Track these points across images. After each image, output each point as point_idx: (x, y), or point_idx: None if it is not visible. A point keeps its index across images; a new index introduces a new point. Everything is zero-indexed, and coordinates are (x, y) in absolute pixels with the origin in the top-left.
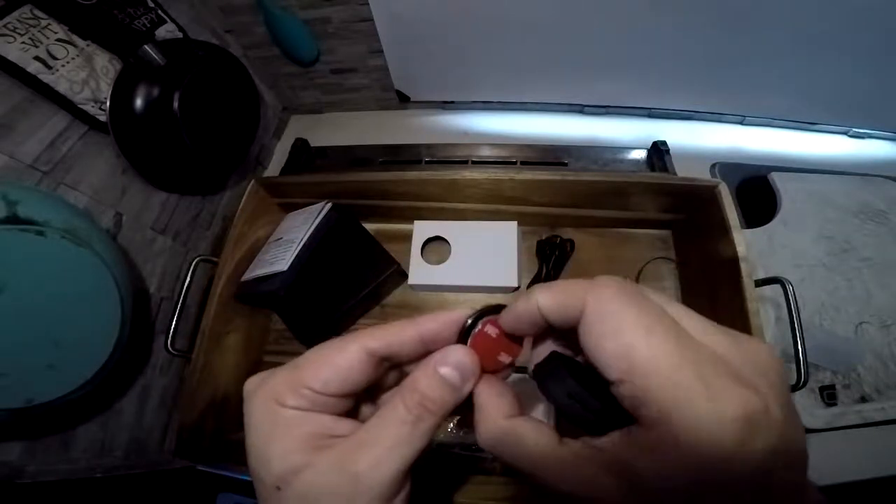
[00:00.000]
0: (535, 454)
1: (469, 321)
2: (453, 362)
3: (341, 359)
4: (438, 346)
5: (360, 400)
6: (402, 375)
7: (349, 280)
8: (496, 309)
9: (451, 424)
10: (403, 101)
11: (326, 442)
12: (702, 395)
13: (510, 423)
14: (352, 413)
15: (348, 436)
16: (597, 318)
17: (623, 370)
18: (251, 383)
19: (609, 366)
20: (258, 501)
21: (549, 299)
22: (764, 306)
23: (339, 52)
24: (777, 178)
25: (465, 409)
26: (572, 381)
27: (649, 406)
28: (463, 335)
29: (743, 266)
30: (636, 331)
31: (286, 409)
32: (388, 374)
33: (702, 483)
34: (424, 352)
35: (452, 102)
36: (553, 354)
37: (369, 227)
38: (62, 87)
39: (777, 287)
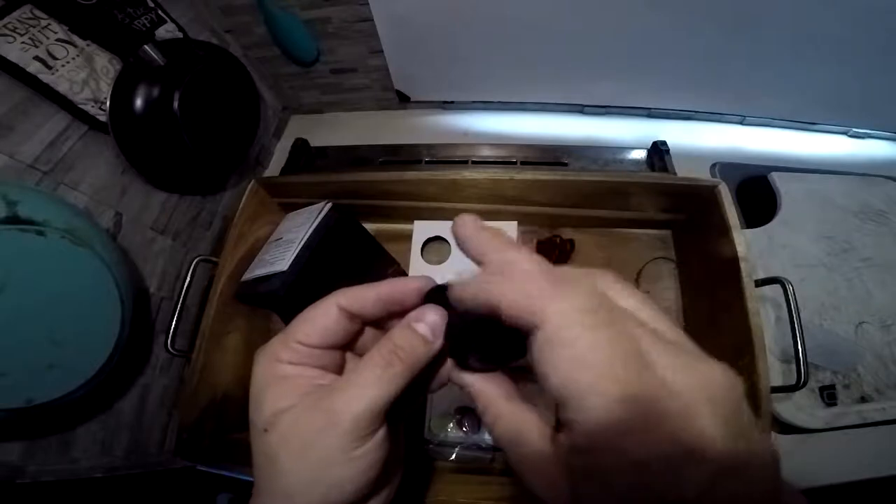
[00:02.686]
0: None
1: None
2: (427, 319)
3: (319, 314)
4: (397, 307)
5: (345, 357)
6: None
7: (349, 280)
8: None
9: (451, 424)
10: (403, 101)
11: (312, 389)
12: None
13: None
14: (339, 370)
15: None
16: (554, 344)
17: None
18: (260, 349)
19: (556, 391)
20: (252, 447)
21: (502, 300)
22: (764, 306)
23: (339, 52)
24: (777, 178)
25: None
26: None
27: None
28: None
29: (743, 266)
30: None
31: (281, 364)
32: (364, 331)
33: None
34: (385, 311)
35: (452, 102)
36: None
37: (369, 227)
38: (62, 87)
39: (777, 287)
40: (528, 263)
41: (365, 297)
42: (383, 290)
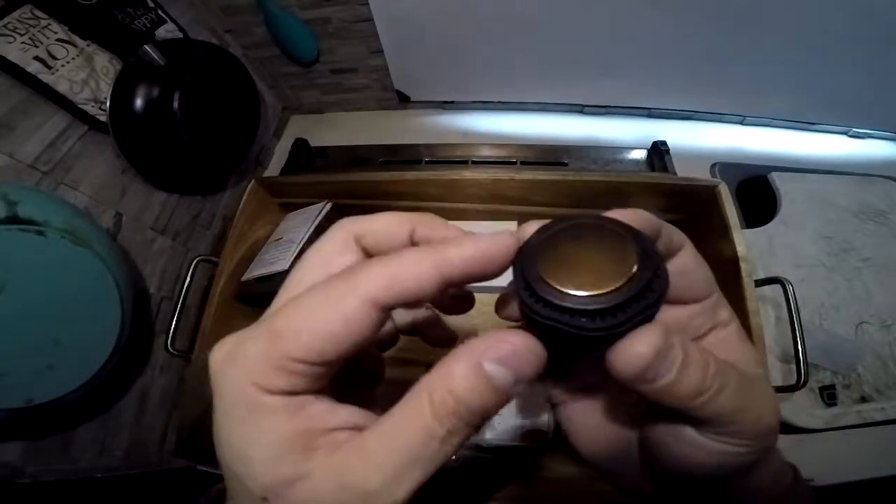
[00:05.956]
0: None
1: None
2: (505, 355)
3: (339, 317)
4: (464, 281)
5: None
6: None
7: None
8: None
9: None
10: (403, 101)
11: (322, 440)
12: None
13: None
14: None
15: (350, 433)
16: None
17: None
18: (219, 356)
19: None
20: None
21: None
22: (764, 306)
23: (339, 52)
24: (777, 178)
25: None
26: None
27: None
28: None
29: (743, 266)
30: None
31: (269, 397)
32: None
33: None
34: (445, 290)
35: (452, 102)
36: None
37: None
38: (62, 87)
39: (777, 287)
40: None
41: (418, 278)
42: (452, 264)
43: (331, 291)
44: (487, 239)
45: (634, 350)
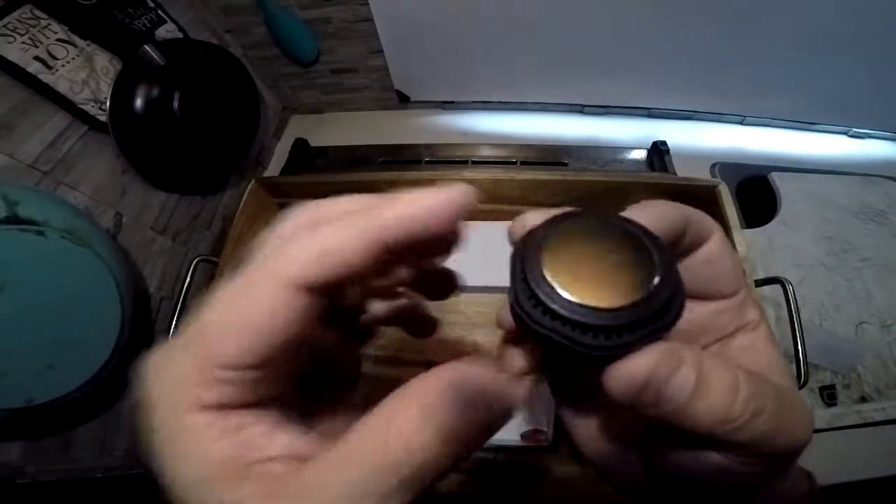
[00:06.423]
0: None
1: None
2: (467, 393)
3: (261, 310)
4: (409, 244)
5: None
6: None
7: None
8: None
9: None
10: (403, 101)
11: (256, 469)
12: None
13: None
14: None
15: (288, 463)
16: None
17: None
18: (149, 366)
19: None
20: None
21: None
22: (764, 306)
23: (339, 52)
24: (777, 178)
25: None
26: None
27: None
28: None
29: (743, 266)
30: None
31: (198, 415)
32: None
33: None
34: (386, 257)
35: (452, 102)
36: None
37: None
38: (62, 87)
39: (777, 287)
40: None
41: (347, 251)
42: (387, 228)
43: (249, 279)
44: (427, 192)
45: (626, 370)
